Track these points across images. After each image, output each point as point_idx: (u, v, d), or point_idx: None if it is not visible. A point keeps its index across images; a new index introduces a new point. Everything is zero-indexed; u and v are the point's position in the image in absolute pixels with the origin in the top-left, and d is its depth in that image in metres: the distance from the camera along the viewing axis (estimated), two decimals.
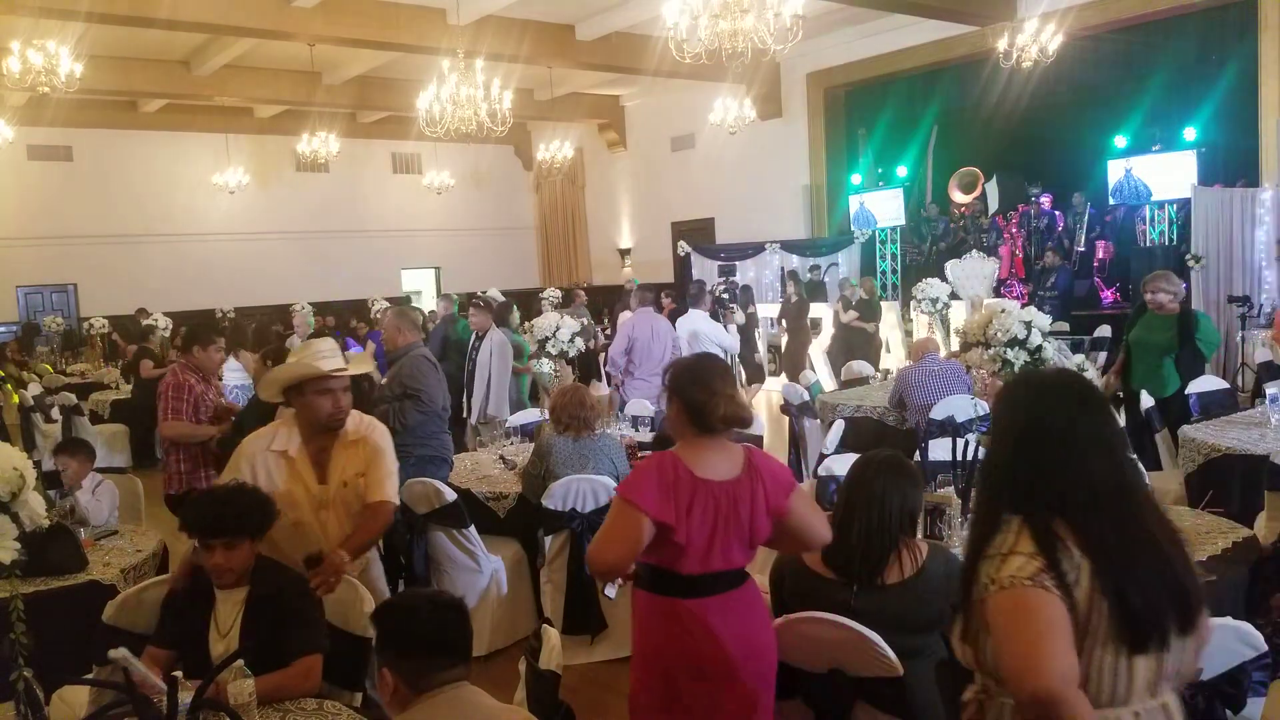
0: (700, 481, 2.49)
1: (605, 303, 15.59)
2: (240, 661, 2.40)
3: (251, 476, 3.15)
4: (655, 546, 2.48)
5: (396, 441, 3.65)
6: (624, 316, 7.85)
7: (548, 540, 4.59)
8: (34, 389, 10.43)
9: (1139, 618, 1.64)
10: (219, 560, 2.74)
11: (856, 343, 11.28)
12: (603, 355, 11.25)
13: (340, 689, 2.86)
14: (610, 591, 4.29)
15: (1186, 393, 6.32)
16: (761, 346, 12.84)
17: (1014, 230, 14.11)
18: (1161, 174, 11.47)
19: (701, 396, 2.54)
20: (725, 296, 13.14)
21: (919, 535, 2.88)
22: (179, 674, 2.36)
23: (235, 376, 8.98)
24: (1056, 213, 13.64)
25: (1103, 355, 9.52)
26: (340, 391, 3.22)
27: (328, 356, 3.27)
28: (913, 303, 10.84)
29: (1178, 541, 1.73)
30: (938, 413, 5.87)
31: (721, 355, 8.45)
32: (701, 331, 8.42)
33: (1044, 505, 1.69)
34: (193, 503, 2.94)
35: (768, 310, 13.25)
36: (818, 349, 11.99)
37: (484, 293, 11.92)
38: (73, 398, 9.52)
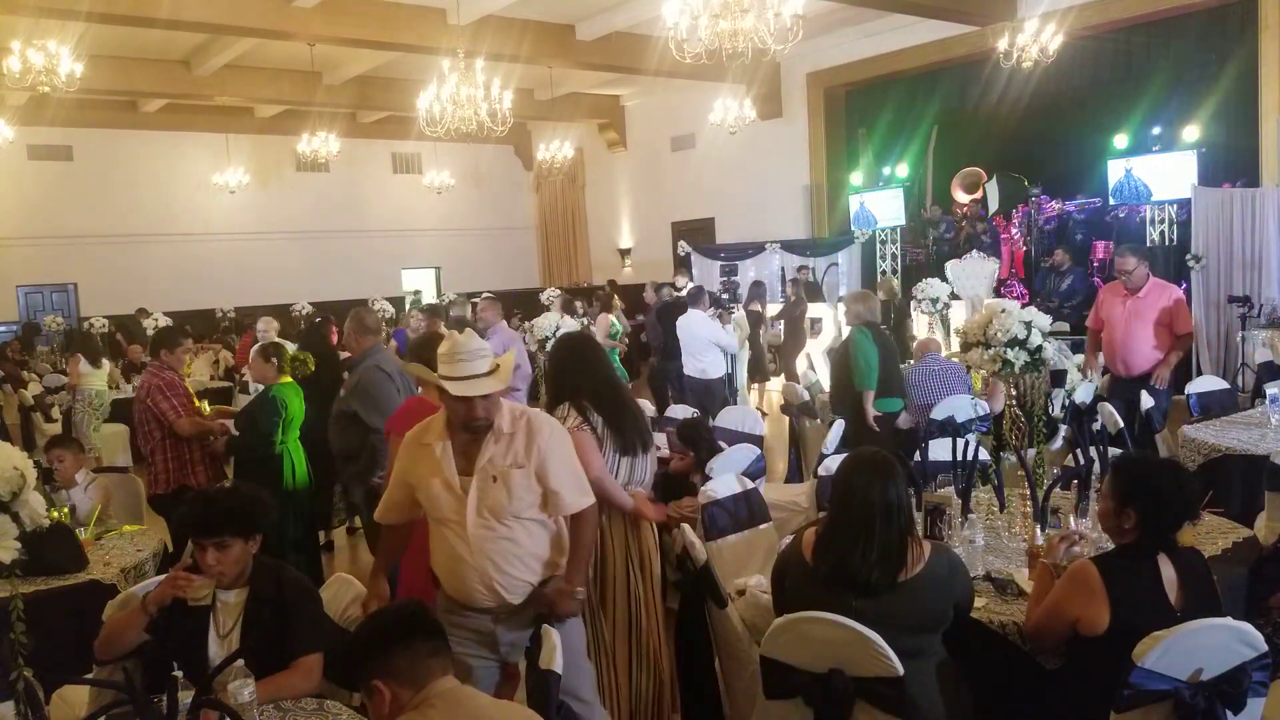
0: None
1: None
2: (240, 661, 2.41)
3: (404, 471, 3.06)
4: None
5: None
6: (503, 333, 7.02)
7: None
8: (34, 389, 10.44)
9: (625, 441, 3.48)
10: (210, 561, 2.75)
11: None
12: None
13: (340, 688, 2.87)
14: None
15: (1187, 392, 6.33)
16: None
17: (1013, 231, 14.08)
18: (1161, 174, 11.45)
19: (429, 357, 3.73)
20: (725, 297, 13.14)
21: (920, 535, 2.87)
22: (179, 674, 2.36)
23: (100, 381, 9.13)
24: (1070, 208, 13.54)
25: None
26: (479, 397, 2.86)
27: (463, 359, 2.87)
28: (913, 303, 10.84)
29: (641, 414, 3.65)
30: (938, 413, 5.87)
31: (720, 354, 8.47)
32: (699, 331, 8.42)
33: (579, 393, 3.47)
34: (187, 501, 2.96)
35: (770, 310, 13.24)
36: (817, 349, 11.99)
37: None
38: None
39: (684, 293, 9.59)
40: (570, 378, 3.54)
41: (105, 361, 9.45)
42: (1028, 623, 2.76)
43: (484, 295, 12.85)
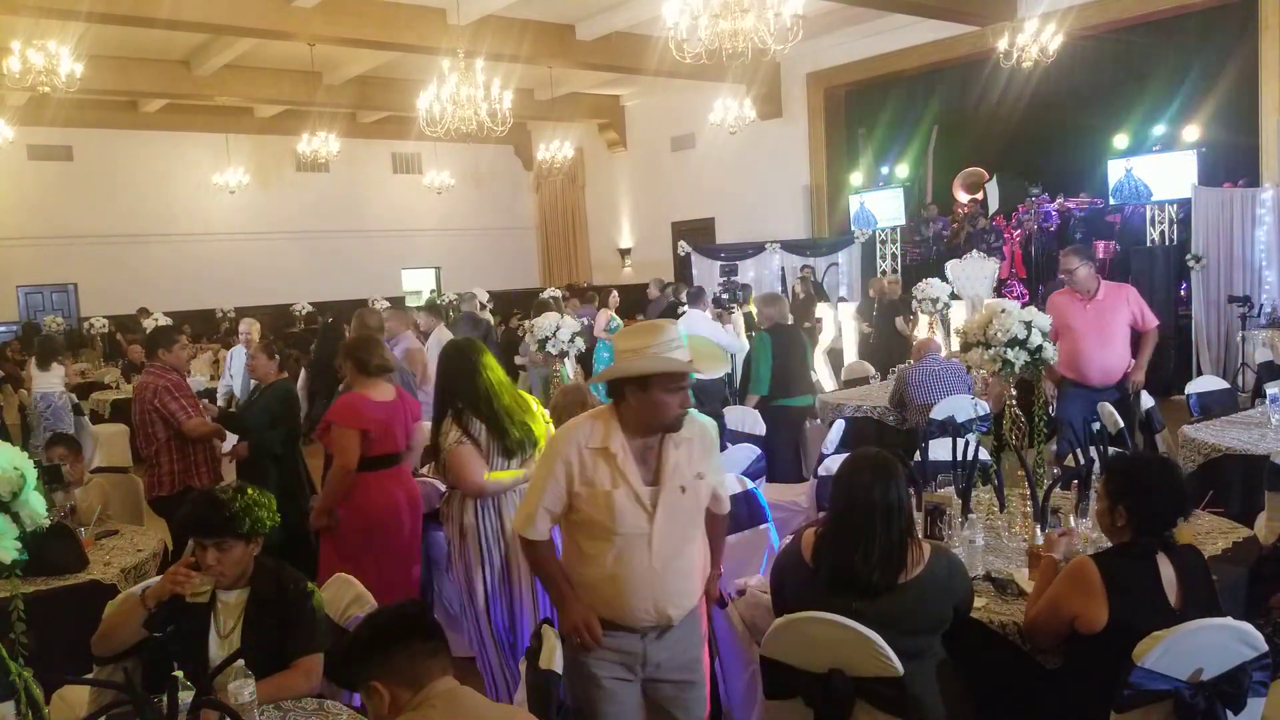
0: (375, 403, 4.28)
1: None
2: (241, 662, 2.41)
3: (568, 478, 2.66)
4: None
5: None
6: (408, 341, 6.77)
7: None
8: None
9: (508, 444, 3.71)
10: (211, 561, 2.75)
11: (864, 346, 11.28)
12: None
13: (340, 688, 2.86)
14: None
15: (1187, 392, 6.33)
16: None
17: (1013, 231, 14.08)
18: (1161, 174, 11.46)
19: (363, 356, 4.36)
20: (725, 297, 13.13)
21: (920, 535, 2.87)
22: (179, 674, 2.36)
23: (48, 384, 9.18)
24: (1071, 207, 13.51)
25: None
26: (687, 388, 2.67)
27: (681, 347, 2.63)
28: (913, 303, 10.84)
29: (522, 408, 3.81)
30: (938, 413, 5.87)
31: (720, 355, 8.47)
32: (700, 331, 8.41)
33: (460, 405, 3.69)
34: (190, 501, 2.97)
35: None
36: (818, 349, 11.99)
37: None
38: (73, 397, 9.52)
39: (684, 305, 9.74)
40: (451, 390, 3.77)
41: (57, 365, 9.46)
42: (1026, 617, 2.76)
43: (382, 305, 12.89)
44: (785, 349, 6.47)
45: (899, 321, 10.64)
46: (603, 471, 2.65)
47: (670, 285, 11.73)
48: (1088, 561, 2.64)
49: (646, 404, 2.61)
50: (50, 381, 9.27)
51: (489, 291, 12.80)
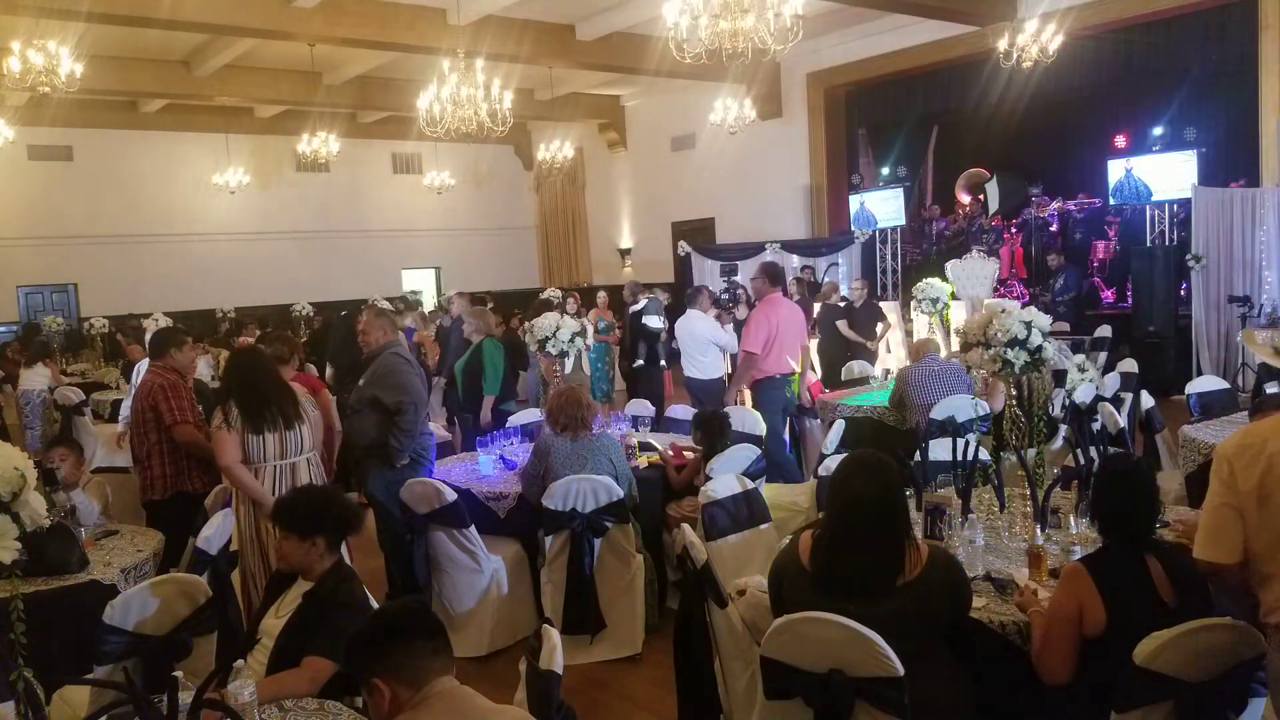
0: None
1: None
2: (241, 661, 2.41)
3: None
4: None
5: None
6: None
7: (548, 540, 4.60)
8: None
9: (255, 425, 4.17)
10: (278, 541, 3.08)
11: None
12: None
13: (340, 691, 2.86)
14: None
15: (1187, 392, 6.34)
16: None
17: (1013, 230, 14.09)
18: (1161, 174, 11.46)
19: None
20: (725, 297, 13.12)
21: (919, 536, 2.87)
22: (179, 674, 2.36)
23: (30, 382, 9.31)
24: (1071, 208, 13.53)
25: (1103, 355, 9.52)
26: None
27: None
28: (913, 303, 10.84)
29: (283, 400, 4.30)
30: (938, 413, 5.87)
31: (719, 354, 8.46)
32: (699, 331, 8.41)
33: (226, 397, 4.25)
34: (293, 489, 3.56)
35: None
36: (812, 348, 11.98)
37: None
38: (73, 397, 9.52)
39: (636, 307, 9.94)
40: (226, 385, 4.45)
41: (41, 365, 9.71)
42: (1033, 649, 2.70)
43: (382, 305, 12.82)
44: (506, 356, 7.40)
45: (842, 326, 10.36)
46: None
47: (646, 289, 11.71)
48: (1076, 564, 2.67)
49: None
50: (33, 380, 9.37)
51: (490, 292, 12.75)
